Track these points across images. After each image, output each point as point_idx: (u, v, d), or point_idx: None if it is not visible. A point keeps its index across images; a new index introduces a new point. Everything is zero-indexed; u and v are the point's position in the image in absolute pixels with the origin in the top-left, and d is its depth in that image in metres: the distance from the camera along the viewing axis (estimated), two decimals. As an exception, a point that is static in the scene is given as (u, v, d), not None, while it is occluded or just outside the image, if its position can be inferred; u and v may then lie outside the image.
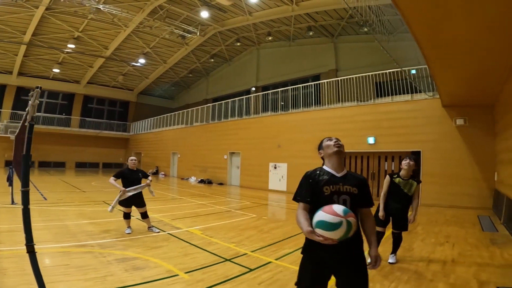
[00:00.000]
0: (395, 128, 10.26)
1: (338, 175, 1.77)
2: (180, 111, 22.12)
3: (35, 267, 2.32)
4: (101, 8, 9.90)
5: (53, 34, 17.72)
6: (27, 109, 2.61)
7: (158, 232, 5.24)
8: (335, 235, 1.46)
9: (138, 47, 20.31)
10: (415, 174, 3.84)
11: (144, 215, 5.26)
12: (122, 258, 3.77)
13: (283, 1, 14.46)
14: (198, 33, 17.70)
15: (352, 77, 11.91)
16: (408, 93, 10.50)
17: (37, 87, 2.50)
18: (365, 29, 10.55)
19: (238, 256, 4.06)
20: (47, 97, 24.61)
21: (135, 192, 5.10)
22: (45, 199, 8.36)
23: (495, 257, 4.19)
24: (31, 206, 2.49)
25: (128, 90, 27.97)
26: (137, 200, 5.19)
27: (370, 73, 11.40)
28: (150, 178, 5.42)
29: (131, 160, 5.28)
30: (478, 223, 6.69)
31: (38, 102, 2.47)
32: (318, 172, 1.81)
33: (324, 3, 13.79)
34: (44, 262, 3.45)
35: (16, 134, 9.43)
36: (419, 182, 3.79)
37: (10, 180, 8.06)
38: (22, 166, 2.44)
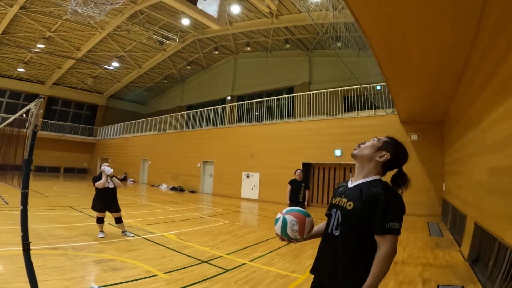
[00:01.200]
0: (360, 141, 11.03)
1: (351, 185, 1.47)
2: (153, 118, 21.71)
3: (29, 264, 2.43)
4: (79, 10, 9.73)
5: (23, 33, 16.81)
6: (17, 115, 2.77)
7: (133, 236, 5.28)
8: (276, 229, 1.50)
9: (113, 50, 19.76)
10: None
11: (118, 220, 5.29)
12: (99, 260, 3.83)
13: (264, 14, 14.95)
14: (177, 40, 17.68)
15: (323, 92, 12.60)
16: (372, 108, 11.39)
17: (40, 97, 2.66)
18: (338, 44, 11.29)
19: (214, 258, 4.27)
20: (8, 97, 22.93)
21: (110, 177, 5.26)
22: (7, 203, 7.89)
23: (438, 258, 4.81)
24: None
25: (98, 93, 26.87)
26: (112, 205, 5.22)
27: (339, 88, 12.16)
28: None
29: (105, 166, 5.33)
30: (427, 229, 7.48)
31: (42, 111, 2.64)
32: (343, 183, 1.57)
33: (302, 18, 14.34)
34: (17, 263, 3.42)
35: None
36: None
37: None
38: (23, 170, 2.63)
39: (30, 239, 4.55)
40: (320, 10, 10.77)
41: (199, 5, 2.19)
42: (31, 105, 2.80)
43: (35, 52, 18.94)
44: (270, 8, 11.95)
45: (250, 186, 14.10)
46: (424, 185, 9.64)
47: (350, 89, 11.77)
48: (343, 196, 1.43)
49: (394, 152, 1.44)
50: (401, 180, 1.41)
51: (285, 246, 5.18)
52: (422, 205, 9.56)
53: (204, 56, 21.46)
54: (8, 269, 3.29)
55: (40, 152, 23.67)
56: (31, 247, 4.19)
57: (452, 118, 7.73)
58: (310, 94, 13.36)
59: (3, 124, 5.44)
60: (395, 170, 1.45)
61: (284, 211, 1.50)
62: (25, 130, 2.71)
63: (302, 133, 12.63)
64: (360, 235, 1.30)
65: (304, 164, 11.80)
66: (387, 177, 1.46)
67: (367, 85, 10.87)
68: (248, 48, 18.91)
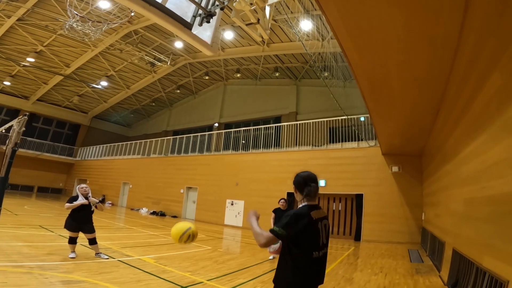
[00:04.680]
0: (343, 172, 11.31)
1: None
2: (138, 141, 21.38)
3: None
4: (76, 27, 10.00)
5: (15, 45, 16.63)
6: (10, 134, 2.72)
7: (107, 258, 4.97)
8: None
9: (103, 69, 19.77)
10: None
11: (93, 241, 4.98)
12: (67, 281, 3.56)
13: (255, 41, 15.36)
14: (168, 62, 17.91)
15: (310, 122, 12.85)
16: (356, 140, 11.77)
17: (24, 115, 2.66)
18: (325, 74, 11.78)
19: (194, 284, 4.05)
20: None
21: (92, 202, 5.06)
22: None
23: (418, 284, 4.81)
24: None
25: (82, 112, 26.42)
26: (86, 226, 4.95)
27: (324, 119, 12.46)
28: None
29: (82, 187, 5.13)
30: (407, 255, 7.53)
31: (24, 129, 2.62)
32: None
33: (293, 47, 14.95)
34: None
35: None
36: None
37: None
38: None
39: (-6, 255, 4.24)
40: (310, 40, 11.33)
41: (194, 30, 2.34)
42: (13, 122, 2.78)
43: (24, 66, 18.65)
44: (262, 37, 12.54)
45: (234, 214, 13.80)
46: (404, 214, 9.86)
47: (336, 120, 12.06)
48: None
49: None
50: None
51: (267, 273, 5.03)
52: (402, 233, 9.73)
53: (194, 80, 21.74)
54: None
55: (14, 169, 22.28)
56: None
57: (430, 152, 8.13)
58: (296, 124, 13.70)
59: None
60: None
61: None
62: (4, 147, 2.65)
63: (287, 163, 12.75)
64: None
65: (289, 194, 11.80)
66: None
67: (352, 116, 11.32)
68: (238, 75, 19.22)
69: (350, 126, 11.56)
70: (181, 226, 2.36)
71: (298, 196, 1.90)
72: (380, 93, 5.47)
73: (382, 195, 10.42)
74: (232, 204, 14.02)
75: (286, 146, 13.63)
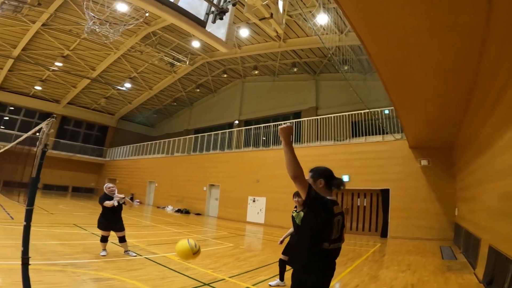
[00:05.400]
0: (367, 167, 10.95)
1: None
2: (161, 140, 22.03)
3: (26, 278, 2.40)
4: (97, 29, 10.48)
5: (42, 50, 17.52)
6: (30, 133, 2.86)
7: (135, 256, 5.16)
8: None
9: (126, 71, 20.50)
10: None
11: (122, 239, 5.19)
12: (97, 278, 3.73)
13: (271, 37, 15.27)
14: (187, 62, 18.23)
15: (330, 116, 12.57)
16: (380, 133, 11.35)
17: (52, 116, 2.76)
18: (345, 67, 11.43)
19: (216, 281, 4.10)
20: (24, 115, 23.71)
21: (120, 200, 5.24)
22: (12, 218, 7.91)
23: (450, 281, 4.57)
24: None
25: (109, 114, 27.62)
26: (116, 224, 5.17)
27: (346, 113, 12.12)
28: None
29: (109, 187, 5.35)
30: (438, 252, 7.19)
31: (53, 130, 2.73)
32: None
33: (310, 41, 14.67)
34: (15, 277, 3.35)
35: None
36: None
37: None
38: (30, 187, 2.70)
39: (30, 254, 4.52)
40: (327, 33, 11.02)
41: (208, 28, 2.33)
42: (43, 124, 2.90)
43: (53, 70, 19.70)
44: (277, 32, 12.42)
45: (256, 210, 13.85)
46: (434, 210, 9.40)
47: (358, 113, 11.71)
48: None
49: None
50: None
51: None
52: (432, 229, 9.30)
53: (213, 79, 22.01)
54: (4, 283, 3.22)
55: (49, 170, 23.98)
56: (31, 262, 4.14)
57: (462, 144, 7.64)
58: (317, 119, 13.42)
59: (14, 142, 5.60)
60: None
61: None
62: (35, 149, 2.78)
63: (308, 158, 12.49)
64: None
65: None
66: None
67: (376, 109, 10.93)
68: (256, 72, 19.20)
69: (374, 119, 11.13)
70: (187, 248, 2.63)
71: (318, 188, 1.85)
72: (403, 85, 5.20)
73: (410, 189, 9.97)
74: (253, 201, 14.07)
75: (306, 142, 13.41)
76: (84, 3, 9.71)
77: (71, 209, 13.16)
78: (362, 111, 11.35)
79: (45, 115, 24.51)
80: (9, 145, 5.87)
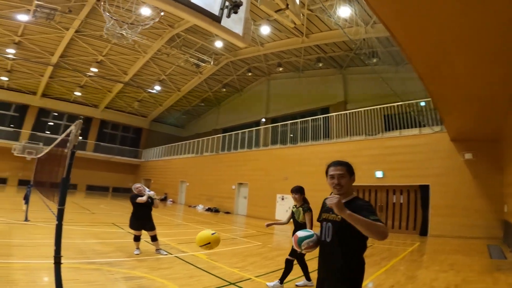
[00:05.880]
0: (403, 162, 10.31)
1: None
2: (191, 141, 22.67)
3: (58, 278, 2.49)
4: (124, 34, 10.99)
5: (78, 56, 18.72)
6: (63, 135, 2.96)
7: (166, 254, 5.30)
8: (300, 233, 1.96)
9: (155, 74, 21.33)
10: (305, 202, 4.06)
11: (154, 238, 5.34)
12: (129, 277, 3.85)
13: (294, 33, 15.05)
14: (212, 62, 18.53)
15: (361, 110, 12.05)
16: (416, 126, 10.66)
17: (80, 118, 2.86)
18: (374, 60, 10.90)
19: (242, 281, 4.08)
20: (67, 120, 25.65)
21: (152, 195, 5.40)
22: (57, 218, 8.53)
23: (499, 282, 4.14)
24: (44, 224, 2.77)
25: (142, 116, 29.02)
26: (147, 224, 5.32)
27: (378, 106, 11.56)
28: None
29: (137, 187, 5.51)
30: (485, 251, 6.61)
31: (80, 132, 2.82)
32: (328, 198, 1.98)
33: (333, 35, 14.18)
34: (54, 276, 3.56)
35: (39, 156, 9.92)
36: (305, 210, 3.94)
37: (27, 199, 8.32)
38: (61, 187, 2.83)
39: (71, 253, 4.81)
40: (351, 26, 10.58)
41: (224, 23, 2.26)
42: (72, 126, 3.01)
43: (90, 76, 21.06)
44: (295, 24, 12.06)
45: (284, 208, 13.69)
46: (480, 207, 8.62)
47: (391, 106, 11.16)
48: (330, 212, 1.78)
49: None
50: None
51: (316, 270, 4.78)
52: (478, 227, 8.55)
53: (238, 78, 22.14)
54: (46, 281, 3.43)
55: (92, 172, 25.83)
56: (71, 261, 4.38)
57: (511, 136, 6.84)
58: (346, 113, 12.92)
59: (51, 145, 5.97)
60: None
61: (316, 232, 1.94)
62: (66, 150, 2.89)
63: (338, 154, 12.07)
64: (345, 239, 1.72)
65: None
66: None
67: (411, 102, 10.27)
68: (280, 69, 18.99)
69: (409, 112, 10.44)
70: (203, 238, 2.90)
71: (349, 185, 1.82)
72: (440, 74, 4.74)
73: (452, 185, 9.22)
74: (282, 199, 13.92)
75: (336, 137, 12.96)
76: (101, 5, 10.11)
77: (111, 208, 13.99)
78: (395, 104, 10.80)
79: (86, 120, 26.36)
80: (47, 148, 6.25)
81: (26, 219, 7.37)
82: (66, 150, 2.92)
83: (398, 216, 10.62)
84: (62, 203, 2.77)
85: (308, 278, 4.02)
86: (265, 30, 15.03)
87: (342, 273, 1.69)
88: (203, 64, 18.83)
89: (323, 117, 13.75)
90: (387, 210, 10.87)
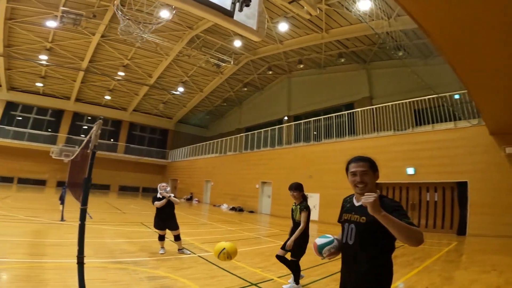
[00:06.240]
0: (437, 158, 9.72)
1: (357, 204, 1.72)
2: (214, 140, 22.98)
3: (81, 278, 2.53)
4: (147, 37, 11.31)
5: (106, 61, 19.65)
6: (88, 137, 3.02)
7: (189, 254, 5.35)
8: (318, 241, 1.82)
9: (178, 76, 21.88)
10: (304, 200, 3.89)
11: (177, 238, 5.41)
12: (152, 276, 3.90)
13: (313, 29, 14.78)
14: (232, 62, 18.65)
15: (388, 105, 11.64)
16: (450, 120, 10.04)
17: (99, 118, 2.90)
18: (400, 53, 10.40)
19: (264, 281, 4.00)
20: (98, 124, 27.12)
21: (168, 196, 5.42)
22: (91, 217, 8.96)
23: None
24: (77, 224, 2.81)
25: (168, 118, 29.91)
26: (170, 223, 5.39)
27: (407, 100, 11.11)
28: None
29: (162, 186, 5.59)
30: None
31: (100, 132, 2.85)
32: (348, 198, 1.85)
33: (354, 30, 13.79)
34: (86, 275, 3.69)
35: (72, 157, 10.50)
36: (302, 208, 3.79)
37: (62, 199, 8.83)
38: (83, 187, 2.82)
39: (101, 252, 4.98)
40: (373, 20, 10.18)
41: (236, 17, 2.21)
42: (94, 127, 3.06)
43: (117, 80, 22.05)
44: (311, 14, 11.77)
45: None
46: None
47: (422, 100, 10.62)
48: (353, 213, 1.69)
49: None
50: None
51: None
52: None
53: (258, 77, 22.12)
54: (76, 281, 3.55)
55: (124, 173, 27.09)
56: (100, 260, 4.53)
57: None
58: (372, 108, 12.41)
59: (80, 147, 6.22)
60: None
61: (335, 236, 1.81)
62: (88, 151, 2.95)
63: (365, 151, 11.42)
64: (371, 241, 1.58)
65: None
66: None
67: (444, 94, 9.62)
68: (301, 66, 18.69)
69: (441, 105, 9.79)
70: (218, 247, 2.97)
71: (373, 183, 1.68)
72: (477, 63, 4.30)
73: (492, 182, 8.55)
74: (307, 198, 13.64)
75: (362, 133, 12.48)
76: (114, 4, 10.35)
77: (140, 208, 14.52)
78: (426, 97, 10.24)
79: (116, 123, 27.73)
80: (77, 150, 6.53)
81: (62, 219, 7.83)
82: (88, 151, 2.98)
83: (433, 214, 10.07)
84: (84, 203, 2.82)
85: (297, 282, 3.78)
86: (283, 27, 14.87)
87: (367, 277, 1.57)
88: (224, 64, 18.99)
89: (347, 113, 13.34)
90: (420, 209, 10.35)
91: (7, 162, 22.24)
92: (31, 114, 24.18)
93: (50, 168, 23.17)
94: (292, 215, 3.94)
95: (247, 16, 2.58)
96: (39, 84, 22.42)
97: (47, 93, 23.96)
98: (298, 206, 3.88)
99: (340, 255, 1.77)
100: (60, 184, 22.07)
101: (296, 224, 3.86)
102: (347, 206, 1.78)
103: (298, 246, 3.74)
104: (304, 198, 3.93)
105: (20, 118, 23.81)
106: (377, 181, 1.70)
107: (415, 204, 10.46)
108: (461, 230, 9.05)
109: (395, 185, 11.01)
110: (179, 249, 5.45)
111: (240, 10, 2.39)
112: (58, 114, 25.02)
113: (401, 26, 10.43)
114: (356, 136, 12.68)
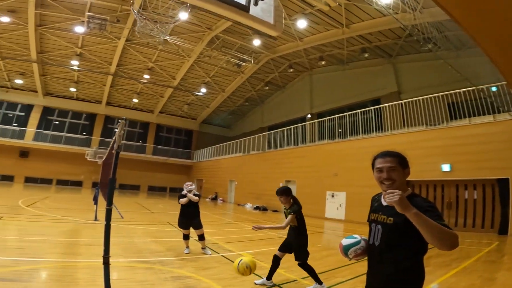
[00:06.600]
0: (475, 153, 9.08)
1: (384, 203, 1.60)
2: (237, 140, 23.14)
3: (107, 277, 2.58)
4: (168, 39, 11.55)
5: (132, 64, 20.44)
6: (114, 138, 3.08)
7: (210, 254, 5.33)
8: (344, 242, 1.76)
9: (200, 77, 22.29)
10: (294, 203, 3.87)
11: (201, 237, 5.42)
12: (177, 276, 3.94)
13: (333, 25, 14.44)
14: (252, 61, 18.66)
15: (419, 99, 11.13)
16: (489, 113, 9.32)
17: (122, 119, 2.95)
18: (429, 46, 9.87)
19: (288, 282, 3.93)
20: (128, 126, 28.20)
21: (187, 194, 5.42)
22: (122, 217, 9.34)
23: None
24: (111, 223, 2.87)
25: (192, 119, 30.62)
26: (194, 222, 5.42)
27: (440, 94, 10.57)
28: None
29: (187, 185, 5.63)
30: None
31: (123, 132, 2.90)
32: (376, 197, 1.76)
33: (377, 24, 13.37)
34: (112, 275, 3.79)
35: (103, 159, 11.03)
36: (290, 212, 3.78)
37: (95, 200, 9.30)
38: (108, 188, 2.86)
39: (130, 252, 5.13)
40: (396, 13, 9.80)
41: (252, 12, 2.16)
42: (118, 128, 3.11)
43: (144, 83, 22.91)
44: (330, 6, 11.40)
45: (335, 206, 13.09)
46: None
47: (456, 93, 10.05)
48: (380, 213, 1.58)
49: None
50: None
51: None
52: None
53: (280, 75, 21.95)
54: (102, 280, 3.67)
55: (152, 174, 28.11)
56: (129, 259, 4.67)
57: None
58: (401, 103, 11.84)
59: (109, 149, 6.44)
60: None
61: (363, 237, 1.74)
62: (113, 151, 3.00)
63: (393, 147, 10.65)
64: (398, 243, 1.46)
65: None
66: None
67: (481, 87, 8.94)
68: (323, 62, 18.41)
69: (478, 98, 9.12)
70: (234, 265, 3.17)
71: (402, 180, 1.53)
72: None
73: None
74: (332, 196, 13.32)
75: (390, 129, 11.94)
76: (130, 4, 10.54)
77: (168, 208, 14.96)
78: (461, 90, 9.71)
79: (144, 125, 28.83)
80: (106, 152, 6.80)
81: (96, 219, 8.23)
82: (113, 151, 3.04)
83: (471, 213, 9.50)
84: (109, 203, 2.87)
85: (319, 282, 3.70)
86: (301, 24, 14.63)
87: (392, 280, 1.46)
88: (244, 64, 19.05)
89: (374, 109, 12.84)
90: (457, 207, 9.79)
91: (46, 165, 23.96)
92: (67, 118, 25.86)
93: (86, 169, 24.61)
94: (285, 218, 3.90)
95: (263, 11, 2.50)
96: (73, 89, 23.85)
97: (80, 97, 25.47)
98: (288, 211, 3.84)
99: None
100: (94, 185, 23.39)
101: (291, 228, 3.86)
102: (375, 205, 1.69)
103: (297, 248, 3.76)
104: (295, 201, 3.90)
105: (57, 122, 25.53)
106: (409, 179, 1.57)
107: (451, 203, 9.89)
108: (503, 229, 8.53)
109: (428, 182, 10.45)
110: (202, 248, 5.48)
111: (255, 4, 2.32)
112: (91, 117, 26.51)
113: (428, 18, 9.95)
114: (384, 132, 12.25)
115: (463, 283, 3.82)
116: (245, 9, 2.34)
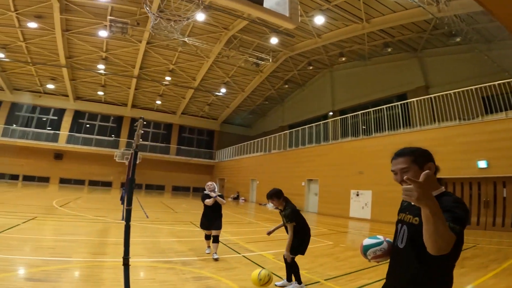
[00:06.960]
0: None
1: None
2: (258, 139, 23.11)
3: (127, 278, 2.60)
4: (186, 41, 11.66)
5: (154, 67, 21.04)
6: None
7: (217, 259, 4.94)
8: (366, 241, 1.65)
9: (219, 77, 22.50)
10: (287, 205, 3.74)
11: (215, 239, 5.11)
12: (198, 277, 3.94)
13: (352, 20, 14.01)
14: (270, 60, 18.52)
15: (450, 93, 10.51)
16: None
17: (140, 118, 2.96)
18: (457, 39, 9.32)
19: (310, 284, 3.81)
20: (153, 127, 29.24)
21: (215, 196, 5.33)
22: (147, 217, 9.61)
23: None
24: (136, 223, 2.90)
25: (213, 119, 31.03)
26: (215, 223, 5.31)
27: (474, 87, 9.95)
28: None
29: (208, 185, 5.59)
30: None
31: (142, 131, 2.90)
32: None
33: (398, 17, 12.85)
34: (135, 275, 3.85)
35: (128, 160, 11.44)
36: (287, 219, 3.68)
37: (122, 200, 9.65)
38: (128, 188, 2.90)
39: (154, 252, 5.20)
40: (419, 6, 9.35)
41: (266, 4, 2.08)
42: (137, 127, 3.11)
43: (165, 85, 23.49)
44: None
45: (360, 205, 12.66)
46: None
47: (491, 86, 9.43)
48: (407, 212, 1.44)
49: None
50: None
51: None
52: None
53: (299, 73, 21.63)
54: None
55: (176, 174, 28.81)
56: (152, 259, 4.73)
57: None
58: (431, 97, 11.24)
59: (131, 150, 6.56)
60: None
61: (387, 238, 1.63)
62: (131, 151, 3.01)
63: (423, 143, 9.87)
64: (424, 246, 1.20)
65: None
66: None
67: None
68: (343, 59, 17.93)
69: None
70: (254, 277, 3.25)
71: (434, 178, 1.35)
72: None
73: None
74: (357, 195, 12.89)
75: (419, 125, 11.35)
76: (143, 3, 10.65)
77: (191, 207, 15.23)
78: (497, 83, 9.17)
79: (167, 126, 29.63)
80: (128, 154, 6.97)
81: (123, 218, 8.51)
82: (131, 151, 3.06)
83: (510, 212, 8.98)
84: (129, 203, 2.87)
85: (290, 279, 3.65)
86: (319, 20, 14.33)
87: (413, 284, 1.32)
88: (262, 62, 18.96)
89: (401, 104, 12.27)
90: (495, 206, 9.16)
91: (79, 166, 25.33)
92: (96, 121, 27.21)
93: (115, 170, 25.72)
94: (283, 220, 3.80)
95: (277, 3, 2.40)
96: (100, 93, 25.04)
97: (108, 100, 26.71)
98: (283, 213, 3.71)
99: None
100: (122, 185, 24.41)
101: (287, 230, 3.74)
102: (404, 204, 1.55)
103: (297, 243, 3.66)
104: (287, 203, 3.76)
105: (88, 125, 26.94)
106: (441, 176, 1.39)
107: (489, 201, 9.23)
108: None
109: (463, 180, 9.83)
110: (213, 253, 5.06)
111: (269, -4, 2.22)
112: (118, 120, 27.76)
113: (454, 11, 9.41)
114: (412, 128, 11.68)
115: (502, 285, 3.60)
116: (258, 1, 2.25)
